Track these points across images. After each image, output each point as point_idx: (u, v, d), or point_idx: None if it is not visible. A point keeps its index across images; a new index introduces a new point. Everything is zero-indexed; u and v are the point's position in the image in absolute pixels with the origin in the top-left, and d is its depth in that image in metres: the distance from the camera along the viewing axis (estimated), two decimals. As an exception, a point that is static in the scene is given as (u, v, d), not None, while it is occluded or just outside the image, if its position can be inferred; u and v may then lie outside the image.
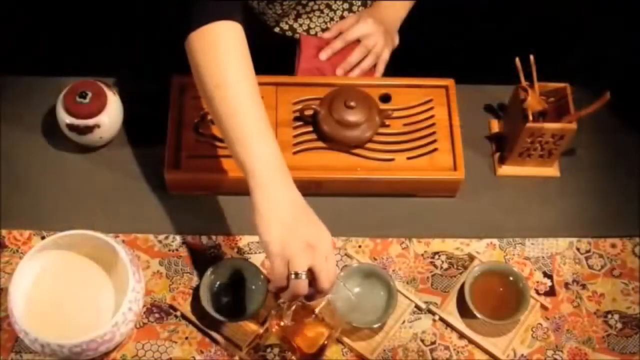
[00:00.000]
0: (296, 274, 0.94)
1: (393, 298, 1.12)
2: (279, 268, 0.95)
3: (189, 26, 1.02)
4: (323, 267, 0.96)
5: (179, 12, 1.04)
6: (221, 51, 1.01)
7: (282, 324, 1.04)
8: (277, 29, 1.39)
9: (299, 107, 1.24)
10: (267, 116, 1.01)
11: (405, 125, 1.27)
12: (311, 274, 0.96)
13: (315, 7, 1.38)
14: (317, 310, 1.05)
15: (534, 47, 1.23)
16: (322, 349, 1.06)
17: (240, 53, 1.03)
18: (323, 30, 1.39)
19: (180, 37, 1.04)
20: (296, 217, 0.97)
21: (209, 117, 1.24)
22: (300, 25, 1.39)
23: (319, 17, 1.39)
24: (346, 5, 1.39)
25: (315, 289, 0.97)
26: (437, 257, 1.20)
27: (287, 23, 1.39)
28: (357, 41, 1.34)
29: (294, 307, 1.03)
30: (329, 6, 1.39)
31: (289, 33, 1.39)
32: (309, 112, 1.24)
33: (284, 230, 0.95)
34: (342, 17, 1.39)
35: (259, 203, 0.97)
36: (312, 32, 1.39)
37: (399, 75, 1.32)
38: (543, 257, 1.21)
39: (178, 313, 1.14)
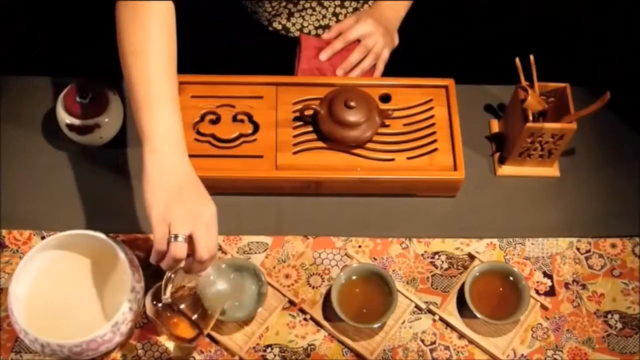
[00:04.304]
0: (175, 237, 0.97)
1: (393, 298, 1.12)
2: (160, 231, 0.97)
3: None
4: (203, 236, 0.98)
5: None
6: (145, 20, 1.04)
7: (162, 300, 1.02)
8: (270, 28, 1.39)
9: (299, 107, 1.24)
10: (177, 90, 1.04)
11: (405, 125, 1.26)
12: (191, 242, 0.98)
13: (307, 5, 1.38)
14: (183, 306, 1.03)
15: (534, 47, 1.23)
16: (196, 336, 1.04)
17: (163, 25, 1.06)
18: (317, 28, 1.39)
19: (111, 2, 1.07)
20: (183, 186, 1.00)
21: (209, 117, 1.24)
22: (294, 24, 1.39)
23: (311, 15, 1.39)
24: (338, 2, 1.39)
25: (193, 258, 0.99)
26: (437, 257, 1.20)
27: (280, 22, 1.38)
28: (357, 41, 1.34)
29: (175, 279, 1.02)
30: (320, 4, 1.38)
31: (282, 32, 1.39)
32: (309, 112, 1.24)
33: (169, 195, 0.98)
34: (334, 14, 1.39)
35: (149, 168, 0.99)
36: (306, 30, 1.39)
37: (399, 75, 1.32)
38: (543, 257, 1.21)
39: (178, 313, 1.14)
